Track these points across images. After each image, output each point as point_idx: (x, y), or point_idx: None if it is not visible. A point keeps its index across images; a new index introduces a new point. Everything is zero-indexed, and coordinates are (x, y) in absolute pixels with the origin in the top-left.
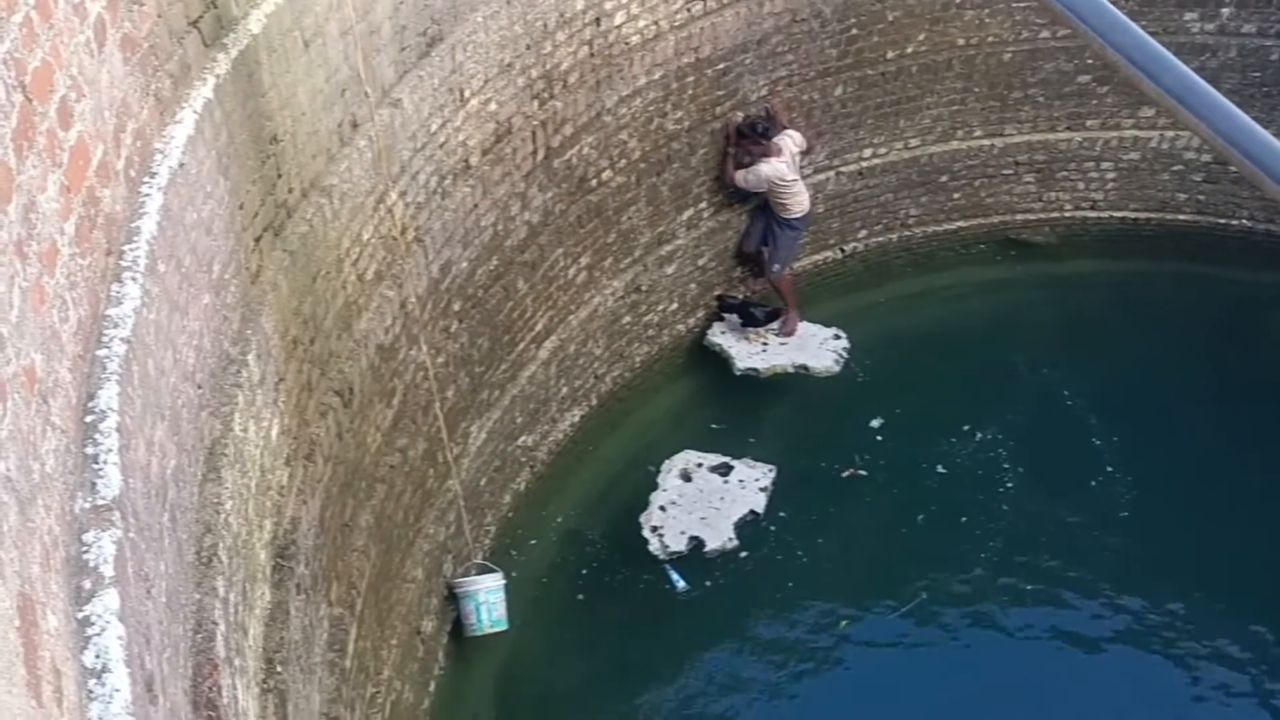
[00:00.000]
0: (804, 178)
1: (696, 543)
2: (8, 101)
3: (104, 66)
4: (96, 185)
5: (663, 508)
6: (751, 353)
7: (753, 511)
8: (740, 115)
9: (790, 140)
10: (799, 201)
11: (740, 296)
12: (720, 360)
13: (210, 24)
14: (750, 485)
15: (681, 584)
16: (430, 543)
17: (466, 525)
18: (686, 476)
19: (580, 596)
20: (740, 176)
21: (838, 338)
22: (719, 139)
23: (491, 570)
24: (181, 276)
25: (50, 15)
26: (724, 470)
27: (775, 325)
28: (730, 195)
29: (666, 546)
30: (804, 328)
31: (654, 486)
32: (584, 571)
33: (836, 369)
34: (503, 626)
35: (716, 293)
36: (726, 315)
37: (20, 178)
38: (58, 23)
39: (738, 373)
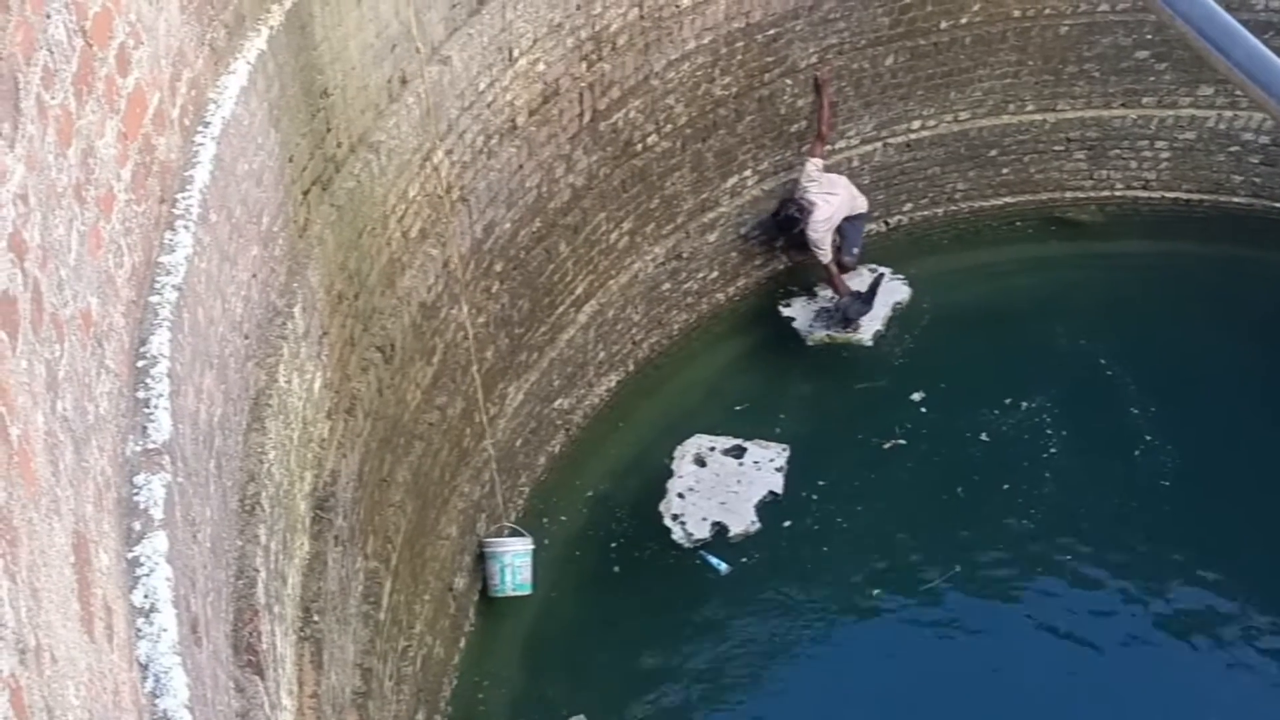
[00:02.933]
0: (852, 148)
1: (719, 528)
2: (69, 45)
3: (161, 14)
4: (152, 133)
5: (681, 495)
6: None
7: (772, 493)
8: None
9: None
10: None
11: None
12: (759, 328)
13: None
14: (766, 466)
15: (724, 566)
16: (465, 501)
17: (500, 486)
18: (701, 461)
19: (612, 562)
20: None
21: (873, 269)
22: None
23: (521, 535)
24: (232, 227)
25: None
26: (737, 453)
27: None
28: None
29: (691, 534)
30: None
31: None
32: (614, 539)
33: (910, 289)
34: (526, 591)
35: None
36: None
37: (80, 122)
38: None
39: (870, 343)
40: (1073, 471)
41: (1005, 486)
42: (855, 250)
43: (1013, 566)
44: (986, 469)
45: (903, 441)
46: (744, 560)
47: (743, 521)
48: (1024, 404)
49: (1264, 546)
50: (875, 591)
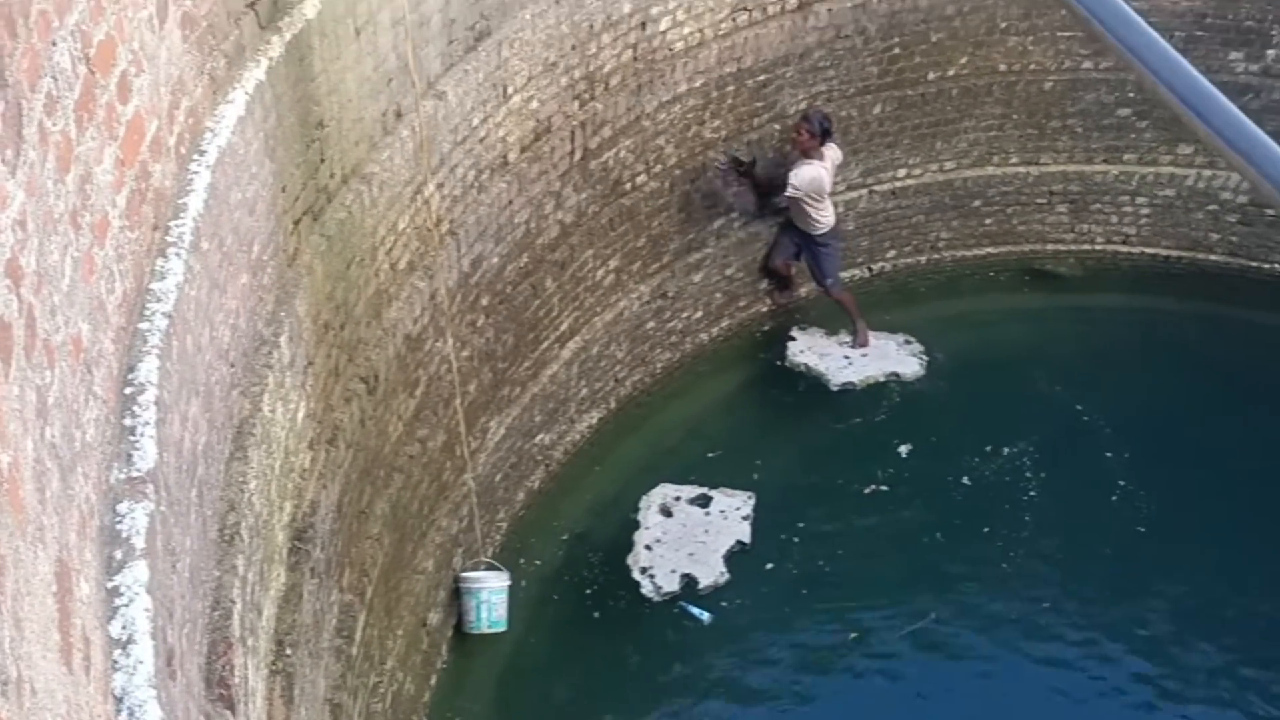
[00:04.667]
0: (838, 194)
1: (688, 580)
2: (73, 73)
3: (164, 43)
4: (149, 160)
5: (649, 547)
6: (840, 368)
7: (740, 542)
8: (734, 149)
9: (834, 151)
10: (826, 217)
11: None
12: (743, 369)
13: (267, 6)
14: (732, 515)
15: (706, 615)
16: (442, 535)
17: (479, 520)
18: (666, 511)
19: (589, 607)
20: (791, 188)
21: (909, 342)
22: (714, 175)
23: (498, 569)
24: (223, 255)
25: None
26: (703, 502)
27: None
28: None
29: (660, 588)
30: (873, 337)
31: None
32: (590, 585)
33: (923, 371)
34: (501, 628)
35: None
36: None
37: (79, 149)
38: None
39: (835, 388)
40: (1051, 518)
41: (985, 529)
42: (830, 280)
43: (992, 611)
44: (966, 514)
45: (885, 488)
46: (724, 605)
47: (711, 573)
48: (1006, 449)
49: (1237, 590)
50: (853, 635)
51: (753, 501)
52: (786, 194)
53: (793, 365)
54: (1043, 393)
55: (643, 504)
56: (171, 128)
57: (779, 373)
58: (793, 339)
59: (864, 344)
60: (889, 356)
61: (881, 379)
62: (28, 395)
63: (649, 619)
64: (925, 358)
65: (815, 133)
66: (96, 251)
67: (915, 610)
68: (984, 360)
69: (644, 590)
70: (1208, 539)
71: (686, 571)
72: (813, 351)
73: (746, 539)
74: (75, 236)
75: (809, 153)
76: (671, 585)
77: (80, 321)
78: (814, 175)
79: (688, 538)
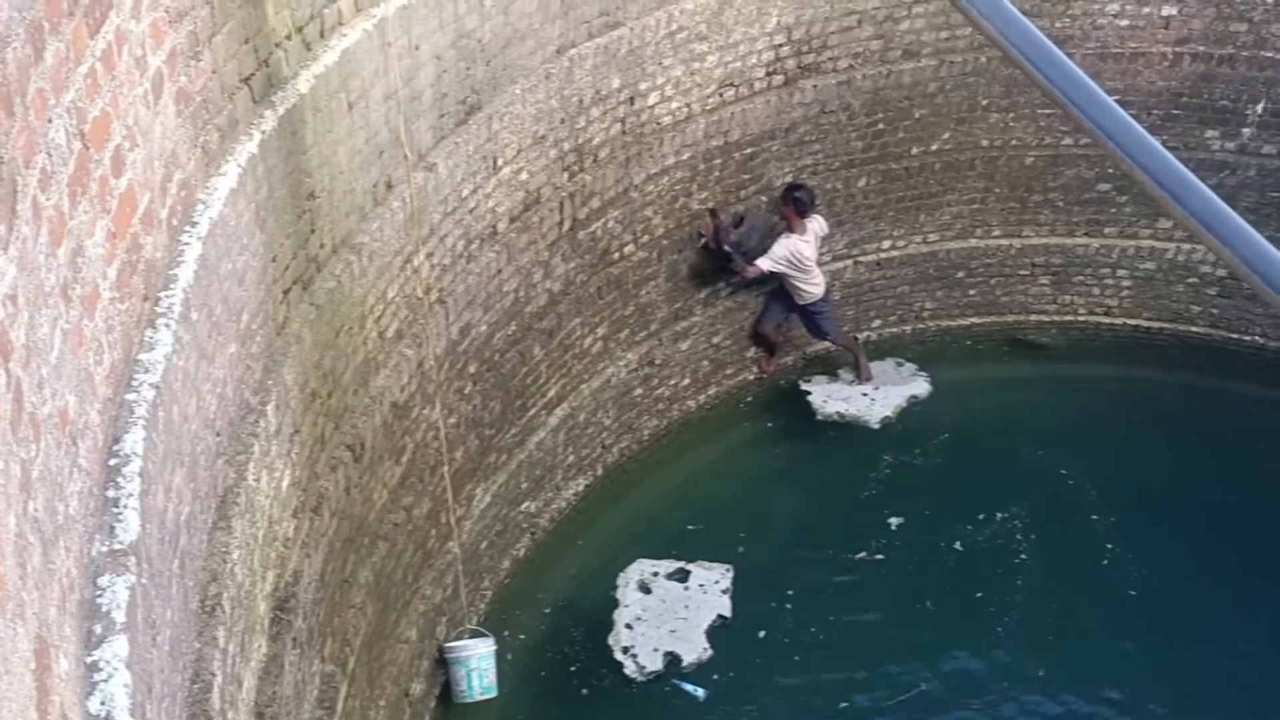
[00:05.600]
0: (823, 264)
1: (672, 658)
2: (67, 149)
3: (158, 118)
4: (140, 232)
5: (629, 625)
6: (869, 406)
7: (720, 616)
8: (719, 214)
9: (818, 223)
10: (813, 287)
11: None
12: (729, 435)
13: (261, 82)
14: (712, 589)
15: (701, 692)
16: (426, 604)
17: (464, 589)
18: (645, 588)
19: (572, 671)
20: (765, 262)
21: (901, 364)
22: (703, 234)
23: (483, 635)
24: (212, 325)
25: (114, 67)
26: (681, 576)
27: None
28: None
29: (643, 667)
30: (876, 367)
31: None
32: (576, 646)
33: (931, 388)
34: (492, 694)
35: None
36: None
37: (72, 222)
38: (120, 74)
39: (877, 427)
40: (1042, 584)
41: (976, 596)
42: (831, 334)
43: (984, 675)
44: (954, 582)
45: (880, 556)
46: (715, 677)
47: (695, 649)
48: (995, 516)
49: (1228, 656)
50: (843, 705)
51: (731, 574)
52: (764, 269)
53: (824, 417)
54: (1028, 460)
55: (620, 581)
56: (164, 200)
57: (767, 438)
58: (808, 393)
59: (869, 377)
60: (904, 382)
61: (905, 404)
62: (12, 469)
63: (638, 698)
64: (924, 372)
65: (798, 208)
66: (86, 324)
67: (904, 680)
68: (969, 428)
69: (627, 670)
70: (1196, 605)
71: (669, 649)
72: (835, 399)
73: (727, 613)
74: (65, 309)
75: (792, 227)
76: (655, 664)
77: (67, 394)
78: (788, 250)
79: (668, 614)
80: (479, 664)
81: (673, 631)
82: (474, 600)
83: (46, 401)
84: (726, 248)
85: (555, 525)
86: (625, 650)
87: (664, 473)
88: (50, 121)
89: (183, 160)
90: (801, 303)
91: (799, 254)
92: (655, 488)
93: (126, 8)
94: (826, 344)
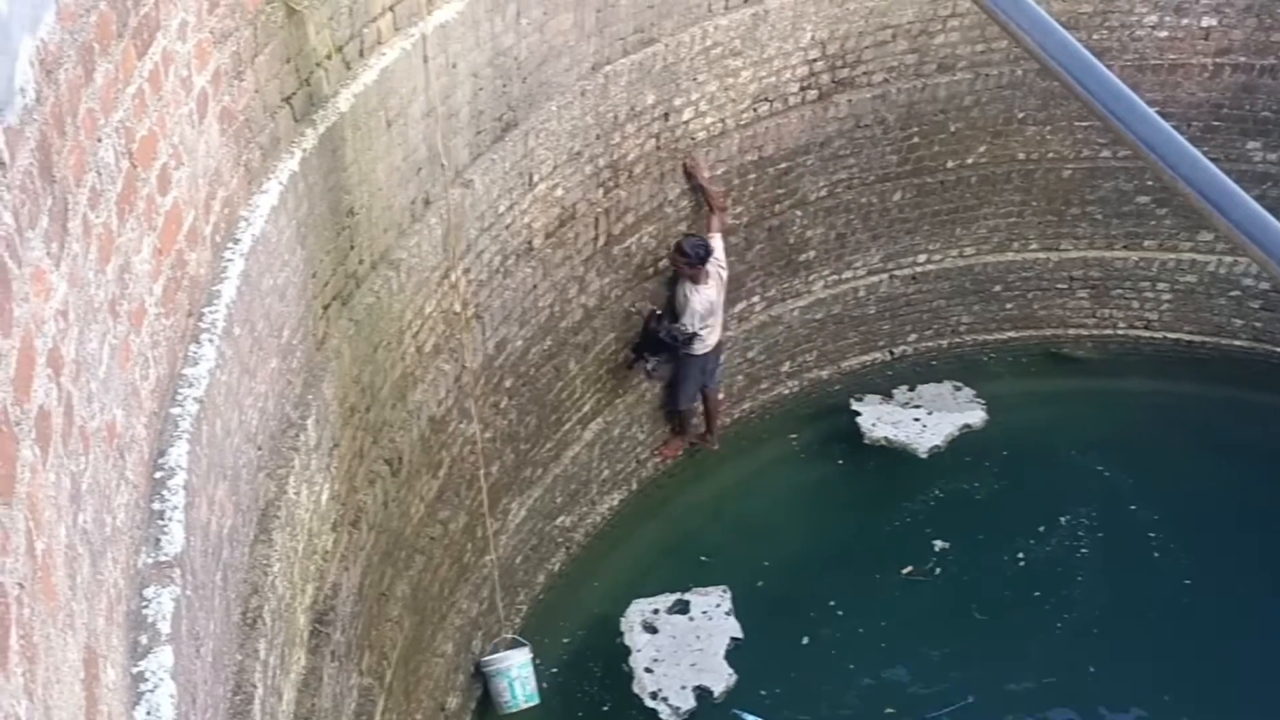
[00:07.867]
0: (859, 278)
1: (701, 691)
2: (116, 167)
3: (202, 137)
4: (185, 249)
5: (649, 669)
6: (919, 433)
7: (733, 639)
8: (647, 308)
9: (717, 265)
10: (713, 335)
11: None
12: (763, 450)
13: (302, 101)
14: (715, 613)
15: None
16: (462, 618)
17: (500, 602)
18: (651, 628)
19: (605, 687)
20: (692, 321)
21: (959, 388)
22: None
23: (519, 643)
24: (254, 340)
25: (160, 87)
26: (682, 608)
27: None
28: (784, 289)
29: (677, 709)
30: (927, 390)
31: (686, 587)
32: (611, 660)
33: (987, 416)
34: (536, 700)
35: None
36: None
37: (119, 240)
38: (166, 95)
39: (924, 456)
40: (1093, 598)
41: (1027, 612)
42: (685, 398)
43: (1032, 690)
44: (1005, 597)
45: (937, 570)
46: (763, 695)
47: (720, 678)
48: (1045, 533)
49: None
50: (887, 710)
51: (728, 594)
52: (692, 328)
53: (872, 441)
54: (1073, 477)
55: (624, 626)
56: (208, 217)
57: (806, 455)
58: (858, 414)
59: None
60: (951, 407)
61: (957, 433)
62: (63, 482)
63: None
64: (982, 400)
65: (694, 261)
66: (133, 339)
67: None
68: (1013, 446)
69: (663, 716)
70: (1250, 623)
71: (697, 684)
72: (885, 422)
73: (738, 634)
74: (113, 324)
75: (695, 278)
76: (688, 702)
77: (115, 408)
78: (703, 302)
79: (683, 648)
80: (519, 672)
81: (693, 665)
82: (509, 614)
83: (95, 415)
84: (659, 331)
85: (590, 539)
86: (654, 695)
87: (699, 487)
88: (100, 141)
89: (226, 178)
90: (694, 353)
91: (711, 302)
92: (689, 501)
93: (173, 29)
94: (674, 408)
